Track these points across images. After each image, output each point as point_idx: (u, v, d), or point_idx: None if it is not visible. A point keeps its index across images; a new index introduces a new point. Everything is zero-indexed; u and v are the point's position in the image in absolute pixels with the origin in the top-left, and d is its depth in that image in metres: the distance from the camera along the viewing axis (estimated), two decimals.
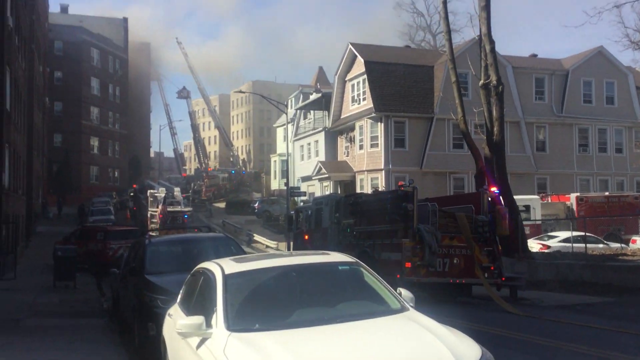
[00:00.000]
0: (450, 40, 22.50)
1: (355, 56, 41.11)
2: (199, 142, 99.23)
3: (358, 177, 40.42)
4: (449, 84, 30.66)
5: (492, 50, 20.76)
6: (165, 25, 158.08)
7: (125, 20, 79.90)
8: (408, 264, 14.43)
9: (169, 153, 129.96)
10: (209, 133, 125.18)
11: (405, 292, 6.08)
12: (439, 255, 14.72)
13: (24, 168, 35.21)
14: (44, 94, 53.03)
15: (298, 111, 53.98)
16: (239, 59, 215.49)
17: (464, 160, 37.14)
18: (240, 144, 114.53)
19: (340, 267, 6.13)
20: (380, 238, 15.75)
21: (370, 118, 38.71)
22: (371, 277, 6.09)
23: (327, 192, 43.77)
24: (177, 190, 43.50)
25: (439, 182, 36.95)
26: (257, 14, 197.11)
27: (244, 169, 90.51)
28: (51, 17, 65.61)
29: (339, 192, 41.87)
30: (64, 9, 77.49)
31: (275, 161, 60.69)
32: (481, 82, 21.27)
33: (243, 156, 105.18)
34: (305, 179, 48.59)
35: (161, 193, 40.44)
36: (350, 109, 42.42)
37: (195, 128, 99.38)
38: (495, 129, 21.03)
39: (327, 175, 42.15)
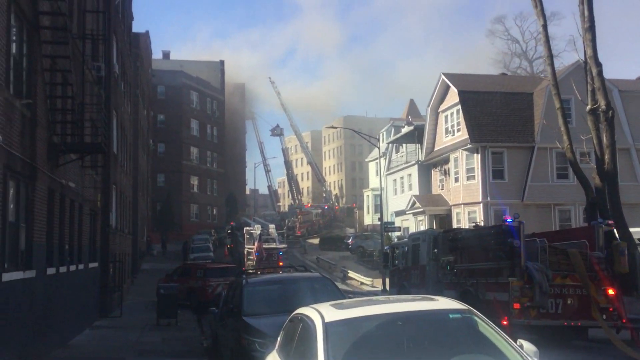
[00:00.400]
0: (552, 64, 21.42)
1: (448, 86, 40.23)
2: (292, 179, 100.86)
3: (454, 211, 39.11)
4: (551, 110, 29.23)
5: (600, 73, 19.54)
6: (259, 64, 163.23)
7: (221, 63, 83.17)
8: (516, 305, 13.54)
9: (263, 190, 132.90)
10: (302, 169, 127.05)
11: (527, 345, 5.44)
12: (550, 296, 13.78)
13: (130, 208, 36.71)
14: (148, 137, 55.47)
15: (390, 145, 53.36)
16: (331, 95, 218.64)
17: (569, 191, 35.12)
18: (333, 179, 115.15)
19: (451, 316, 5.68)
20: (484, 276, 14.89)
21: (465, 149, 37.47)
22: (487, 327, 5.55)
23: (422, 227, 42.61)
24: (272, 227, 43.81)
25: (542, 215, 35.09)
26: (346, 51, 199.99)
27: (336, 204, 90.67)
28: (154, 63, 69.17)
29: (434, 227, 40.69)
30: (166, 55, 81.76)
31: (368, 196, 60.29)
32: (588, 107, 20.02)
33: (335, 191, 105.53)
34: (399, 213, 47.71)
35: (257, 230, 40.81)
36: (443, 140, 41.35)
37: (288, 165, 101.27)
38: (606, 157, 19.64)
39: (421, 210, 41.12)
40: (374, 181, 60.67)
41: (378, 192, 57.82)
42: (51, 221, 14.85)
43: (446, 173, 40.80)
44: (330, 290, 10.63)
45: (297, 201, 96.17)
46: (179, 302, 22.38)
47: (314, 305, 6.14)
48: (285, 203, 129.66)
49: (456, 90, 38.48)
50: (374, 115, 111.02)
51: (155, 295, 26.29)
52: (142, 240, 48.02)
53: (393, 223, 41.21)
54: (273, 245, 39.98)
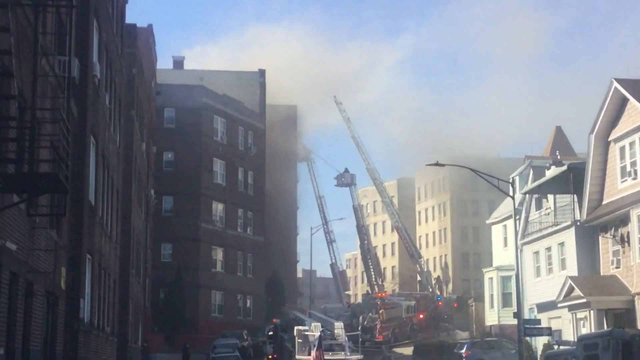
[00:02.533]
0: None
1: (625, 100, 38.17)
2: (368, 253, 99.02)
3: (639, 303, 36.42)
4: None
5: None
6: (315, 78, 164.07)
7: (261, 73, 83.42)
8: None
9: (323, 271, 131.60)
10: (382, 239, 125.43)
11: None
12: None
13: (116, 293, 35.71)
14: (148, 184, 55.20)
15: (527, 197, 51.21)
16: (427, 129, 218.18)
17: None
18: (432, 254, 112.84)
19: None
20: None
21: None
22: None
23: (586, 328, 39.99)
24: (338, 327, 42.17)
25: None
26: (447, 58, 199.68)
27: (438, 293, 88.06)
28: (160, 74, 69.64)
29: (605, 326, 38.06)
30: (178, 63, 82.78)
31: (491, 279, 57.78)
32: None
33: (436, 273, 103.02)
34: (545, 307, 45.16)
35: (315, 331, 39.28)
36: (618, 187, 39.14)
37: (363, 231, 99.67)
38: None
39: (583, 300, 38.63)
40: (500, 256, 58.27)
41: (508, 273, 55.62)
42: None
43: (623, 241, 38.48)
44: None
45: (376, 288, 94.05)
46: None
47: None
48: (358, 291, 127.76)
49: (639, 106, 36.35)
50: (496, 155, 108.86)
51: None
52: (135, 346, 46.97)
53: (538, 322, 38.66)
54: (341, 356, 38.15)
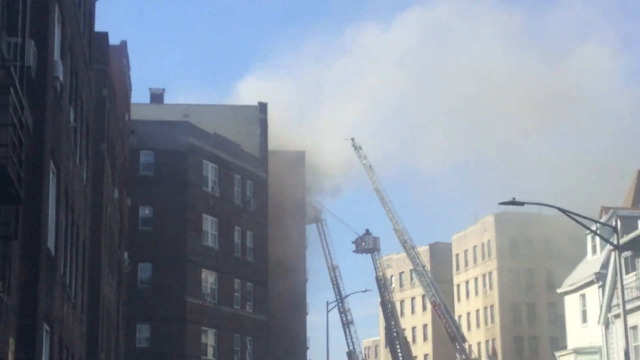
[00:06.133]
0: None
1: None
2: (397, 338, 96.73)
3: None
4: None
5: None
6: (332, 118, 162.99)
7: (262, 107, 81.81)
8: None
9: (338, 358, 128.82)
10: (411, 320, 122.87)
11: None
12: None
13: None
14: (121, 247, 53.07)
15: (613, 256, 48.97)
16: (461, 178, 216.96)
17: None
18: (475, 338, 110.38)
19: None
20: None
21: None
22: None
23: None
24: None
25: None
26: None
27: None
28: (136, 110, 67.89)
29: None
30: (157, 97, 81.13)
31: None
32: None
33: None
34: None
35: None
36: None
37: (388, 309, 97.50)
38: None
39: None
40: (577, 334, 55.82)
41: (590, 357, 53.28)
42: None
43: None
44: None
45: None
46: None
47: None
48: None
49: None
50: (554, 213, 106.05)
51: None
52: None
53: None
54: None
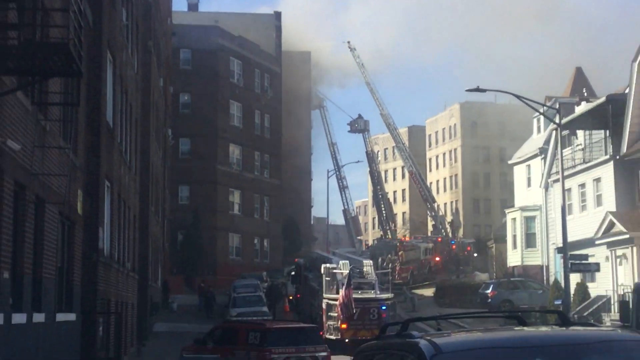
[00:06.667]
0: None
1: None
2: (382, 199, 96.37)
3: None
4: None
5: None
6: (328, 23, 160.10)
7: (277, 16, 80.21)
8: None
9: (333, 219, 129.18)
10: (394, 186, 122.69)
11: None
12: None
13: (136, 229, 32.71)
14: (165, 124, 52.39)
15: (553, 134, 48.13)
16: (439, 75, 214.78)
17: None
18: (442, 200, 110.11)
19: None
20: None
21: None
22: None
23: (625, 265, 37.28)
24: (367, 264, 39.12)
25: None
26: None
27: (453, 237, 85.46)
28: (176, 16, 66.76)
29: None
30: (193, 6, 79.38)
31: (514, 219, 54.68)
32: None
33: (448, 218, 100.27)
34: (575, 245, 42.09)
35: (344, 269, 36.28)
36: None
37: (376, 177, 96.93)
38: None
39: (627, 236, 35.84)
40: (523, 196, 55.34)
41: (533, 213, 52.93)
42: None
43: None
44: None
45: (389, 232, 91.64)
46: None
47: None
48: (368, 237, 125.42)
49: None
50: (507, 101, 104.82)
51: None
52: (156, 285, 44.29)
53: (585, 257, 35.77)
54: (371, 294, 35.23)
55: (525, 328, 7.10)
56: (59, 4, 13.55)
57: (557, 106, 37.22)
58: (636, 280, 36.33)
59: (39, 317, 14.70)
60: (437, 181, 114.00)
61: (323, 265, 37.66)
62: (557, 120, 34.46)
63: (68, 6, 11.33)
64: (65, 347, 17.61)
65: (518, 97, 31.77)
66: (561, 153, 35.21)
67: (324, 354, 23.47)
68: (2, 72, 10.84)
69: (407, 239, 78.41)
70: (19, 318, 13.28)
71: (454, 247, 78.39)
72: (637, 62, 37.37)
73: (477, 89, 30.86)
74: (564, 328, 6.65)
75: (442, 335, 6.69)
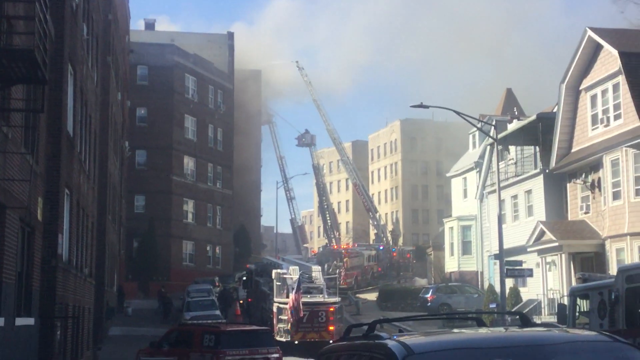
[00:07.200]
0: None
1: (598, 48, 35.50)
2: (327, 209, 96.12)
3: (611, 246, 33.86)
4: None
5: None
6: (278, 44, 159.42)
7: (230, 36, 79.51)
8: None
9: (281, 228, 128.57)
10: (338, 197, 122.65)
11: None
12: None
13: (94, 237, 31.79)
14: (122, 136, 51.34)
15: (487, 149, 48.51)
16: (380, 93, 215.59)
17: None
18: (384, 210, 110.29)
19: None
20: None
21: (632, 147, 32.35)
22: None
23: (554, 271, 37.52)
24: (316, 270, 38.69)
25: None
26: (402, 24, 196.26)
27: (394, 245, 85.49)
28: (133, 35, 65.62)
29: (573, 270, 35.75)
30: (150, 25, 78.30)
31: (451, 228, 54.79)
32: None
33: (389, 227, 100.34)
34: (509, 253, 42.23)
35: (293, 274, 35.77)
36: (589, 135, 36.71)
37: (322, 188, 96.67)
38: None
39: (555, 244, 35.99)
40: (460, 207, 55.59)
41: (468, 222, 53.12)
42: None
43: (594, 186, 36.17)
44: None
45: (334, 241, 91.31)
46: None
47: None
48: (314, 245, 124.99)
49: (615, 52, 33.52)
50: (444, 119, 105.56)
51: None
52: (111, 290, 43.24)
53: (519, 263, 35.85)
54: (319, 299, 34.86)
55: (491, 329, 6.79)
56: (22, 11, 12.88)
57: (494, 122, 37.30)
58: (564, 284, 36.83)
59: None
60: (379, 192, 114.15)
61: (274, 271, 37.10)
62: (493, 135, 34.42)
63: (33, 14, 10.71)
64: (23, 351, 16.83)
65: (458, 113, 31.69)
66: (497, 165, 35.21)
67: (276, 355, 23.04)
68: None
69: (349, 246, 78.13)
70: None
71: (394, 254, 78.34)
72: (565, 83, 37.67)
73: (421, 105, 30.70)
74: (529, 329, 6.35)
75: (411, 336, 6.31)
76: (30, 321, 17.47)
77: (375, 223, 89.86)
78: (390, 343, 5.93)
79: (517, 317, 6.80)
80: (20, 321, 16.16)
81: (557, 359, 5.70)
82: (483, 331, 6.58)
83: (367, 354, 6.30)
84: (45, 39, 11.04)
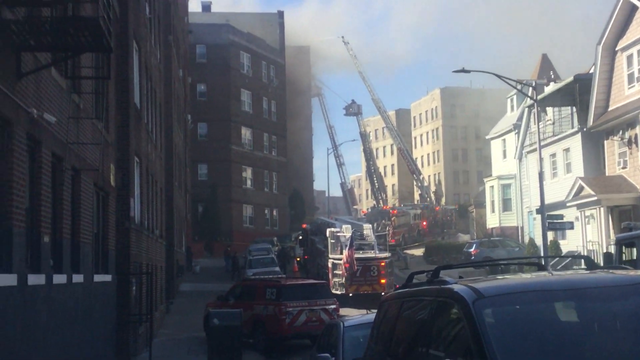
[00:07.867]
0: None
1: (634, 8, 33.84)
2: (374, 173, 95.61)
3: None
4: None
5: None
6: (325, 21, 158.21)
7: (280, 14, 78.67)
8: None
9: (331, 191, 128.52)
10: (384, 161, 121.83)
11: None
12: None
13: (163, 201, 31.81)
14: (184, 110, 51.21)
15: (525, 112, 47.25)
16: (421, 63, 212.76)
17: None
18: (427, 173, 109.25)
19: None
20: None
21: None
22: None
23: (593, 224, 36.43)
24: (367, 228, 38.26)
25: None
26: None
27: (436, 205, 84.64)
28: (190, 16, 65.09)
29: (612, 224, 34.58)
30: (206, 7, 77.80)
31: (492, 187, 53.74)
32: None
33: (433, 188, 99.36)
34: (552, 207, 41.27)
35: (346, 232, 35.38)
36: (626, 94, 35.27)
37: (369, 154, 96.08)
38: None
39: (594, 198, 34.80)
40: (500, 167, 54.35)
41: (508, 181, 52.07)
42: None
43: (631, 142, 34.71)
44: None
45: (381, 202, 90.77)
46: (241, 340, 19.20)
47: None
48: (362, 206, 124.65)
49: None
50: (481, 86, 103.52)
51: (202, 329, 24.19)
52: (180, 250, 43.47)
53: (561, 217, 34.86)
54: (370, 254, 34.45)
55: (555, 272, 6.27)
56: None
57: (534, 84, 36.15)
58: (603, 236, 35.80)
59: (77, 278, 13.86)
60: (422, 156, 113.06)
61: (328, 229, 36.80)
62: (532, 97, 33.37)
63: None
64: (103, 304, 16.81)
65: (498, 76, 30.80)
66: (538, 125, 34.26)
67: (334, 306, 22.80)
68: (36, 48, 9.91)
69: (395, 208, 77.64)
70: (59, 279, 12.44)
71: (437, 208, 77.82)
72: (601, 44, 36.22)
73: (463, 70, 29.89)
74: (596, 271, 5.82)
75: (476, 280, 5.83)
76: (108, 278, 17.43)
77: (419, 185, 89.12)
78: (457, 287, 5.44)
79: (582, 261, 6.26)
80: (98, 277, 16.09)
81: (628, 300, 5.17)
82: (551, 274, 6.06)
83: (432, 298, 5.83)
84: (109, 9, 10.69)
